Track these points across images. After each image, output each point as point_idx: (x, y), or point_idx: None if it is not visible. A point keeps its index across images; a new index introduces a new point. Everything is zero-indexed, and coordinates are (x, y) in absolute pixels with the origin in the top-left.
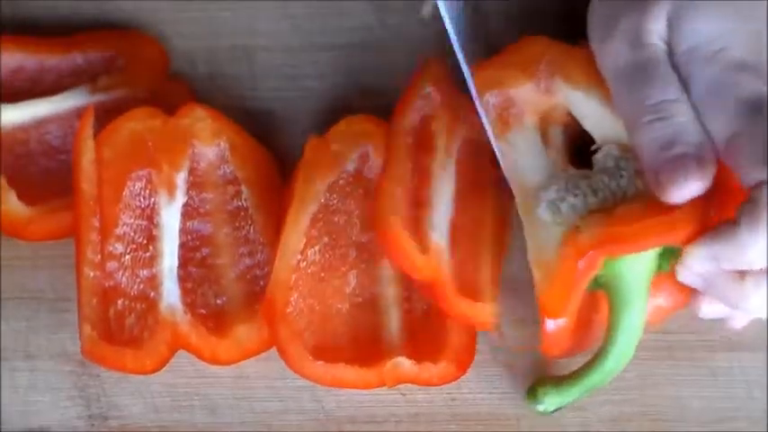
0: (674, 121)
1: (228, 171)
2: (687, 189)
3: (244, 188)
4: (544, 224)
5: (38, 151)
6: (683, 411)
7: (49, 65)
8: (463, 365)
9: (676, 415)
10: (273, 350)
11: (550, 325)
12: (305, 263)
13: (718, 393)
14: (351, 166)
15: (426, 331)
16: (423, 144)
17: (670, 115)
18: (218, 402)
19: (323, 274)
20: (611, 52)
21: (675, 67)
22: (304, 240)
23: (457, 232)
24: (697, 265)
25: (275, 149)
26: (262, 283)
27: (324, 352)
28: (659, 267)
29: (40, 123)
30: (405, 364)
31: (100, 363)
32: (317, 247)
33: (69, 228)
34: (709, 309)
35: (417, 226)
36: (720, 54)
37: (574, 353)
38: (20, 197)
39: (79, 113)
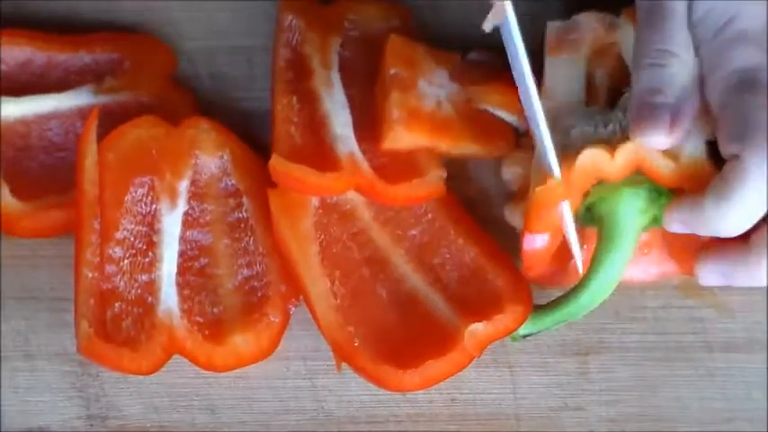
0: (667, 71)
1: (230, 183)
2: (653, 139)
3: (245, 200)
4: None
5: (37, 146)
6: (681, 412)
7: (57, 61)
8: (527, 300)
9: (675, 415)
10: (272, 351)
11: (530, 241)
12: (338, 299)
13: (717, 394)
14: (314, 200)
15: (473, 293)
16: (303, 71)
17: (668, 65)
18: (218, 403)
19: (357, 301)
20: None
21: (692, 29)
22: (328, 281)
23: (374, 129)
24: (673, 227)
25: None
26: (259, 294)
27: (404, 362)
28: (655, 221)
29: (42, 119)
30: (479, 327)
31: (96, 360)
32: (336, 282)
33: (62, 226)
34: (708, 274)
35: (324, 147)
36: (728, 24)
37: (553, 283)
38: (14, 191)
39: (82, 112)
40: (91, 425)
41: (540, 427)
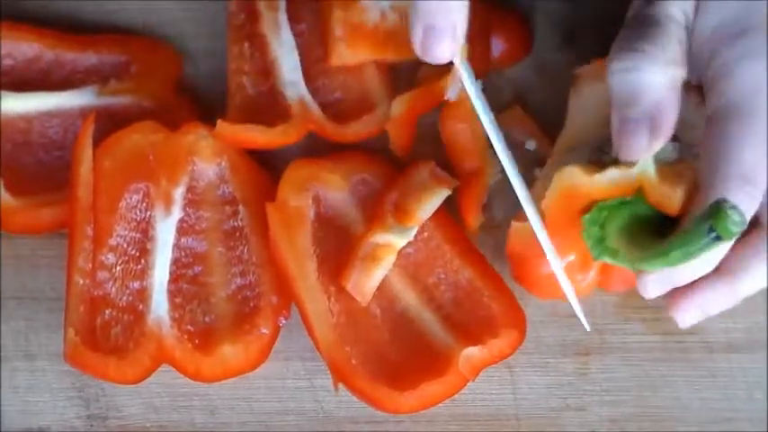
0: (635, 76)
1: (227, 191)
2: (636, 154)
3: (241, 208)
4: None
5: (37, 143)
6: (682, 412)
7: (64, 60)
8: (521, 325)
9: (676, 416)
10: (272, 351)
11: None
12: (334, 317)
13: (718, 394)
14: (311, 214)
15: (467, 315)
16: (252, 15)
17: (636, 68)
18: (218, 403)
19: (351, 319)
20: (632, 5)
21: (698, 44)
22: (326, 298)
23: (326, 64)
24: (651, 292)
25: (273, 149)
26: (251, 304)
27: (399, 383)
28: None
29: (44, 116)
30: (474, 352)
31: (82, 369)
32: (332, 298)
33: (53, 224)
34: (685, 314)
35: (275, 94)
36: (742, 36)
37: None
38: (9, 187)
39: (84, 112)
40: (91, 425)
41: (541, 427)
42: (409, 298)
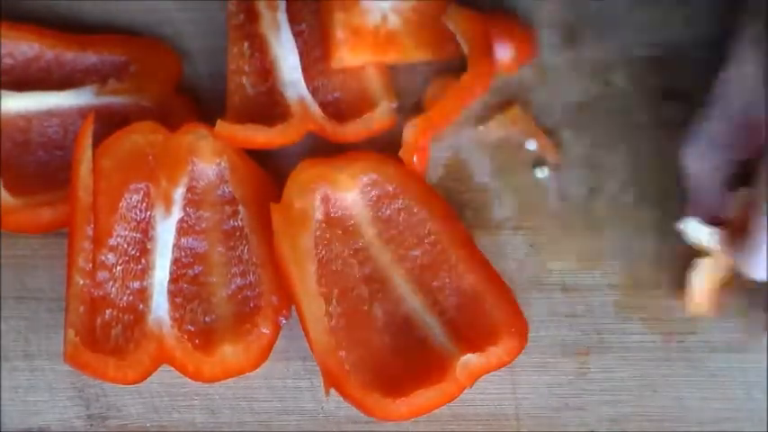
0: None
1: (227, 191)
2: None
3: (241, 208)
4: None
5: (37, 142)
6: (682, 412)
7: (64, 60)
8: (522, 334)
9: (676, 415)
10: (273, 350)
11: None
12: (333, 321)
13: (718, 394)
14: (318, 214)
15: (470, 321)
16: (252, 15)
17: None
18: (218, 403)
19: (352, 322)
20: None
21: None
22: (323, 301)
23: (325, 64)
24: None
25: (273, 150)
26: (251, 304)
27: (395, 389)
28: None
29: (43, 115)
30: (472, 359)
31: (82, 369)
32: (333, 301)
33: (53, 224)
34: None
35: (275, 94)
36: None
37: None
38: (9, 186)
39: (82, 112)
40: (91, 425)
41: (541, 427)
42: (413, 301)
